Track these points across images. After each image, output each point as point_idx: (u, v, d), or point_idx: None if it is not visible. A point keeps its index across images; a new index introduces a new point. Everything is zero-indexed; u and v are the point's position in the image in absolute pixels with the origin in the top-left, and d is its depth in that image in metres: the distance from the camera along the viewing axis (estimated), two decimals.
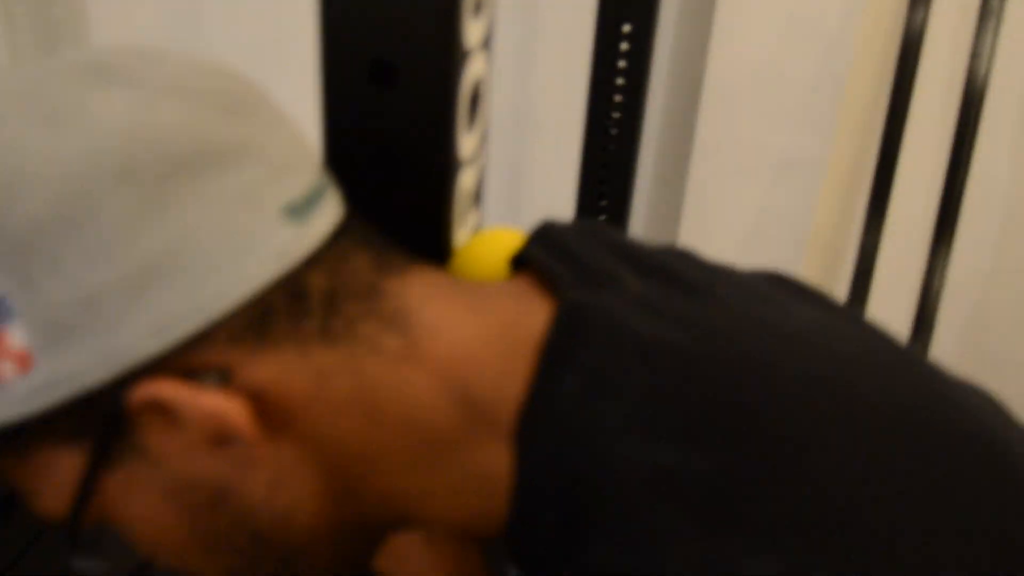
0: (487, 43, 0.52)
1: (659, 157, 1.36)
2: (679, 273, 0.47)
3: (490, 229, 0.55)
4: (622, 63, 1.16)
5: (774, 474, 0.36)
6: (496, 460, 0.41)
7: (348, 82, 0.49)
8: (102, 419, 0.39)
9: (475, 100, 0.52)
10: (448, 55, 0.48)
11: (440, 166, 0.51)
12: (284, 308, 0.40)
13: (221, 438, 0.39)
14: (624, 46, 1.14)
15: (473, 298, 0.45)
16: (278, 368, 0.40)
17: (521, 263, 0.49)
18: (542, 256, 0.47)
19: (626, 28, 1.14)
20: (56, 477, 0.41)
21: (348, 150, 0.51)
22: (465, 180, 0.53)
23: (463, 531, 0.48)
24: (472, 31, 0.49)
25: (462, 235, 0.54)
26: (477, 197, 0.57)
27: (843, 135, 1.24)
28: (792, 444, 0.37)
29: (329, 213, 0.43)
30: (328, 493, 0.42)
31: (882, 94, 1.20)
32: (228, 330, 0.39)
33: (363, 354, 0.41)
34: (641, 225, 1.39)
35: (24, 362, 0.37)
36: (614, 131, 1.20)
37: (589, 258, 0.47)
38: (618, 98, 1.18)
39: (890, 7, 1.18)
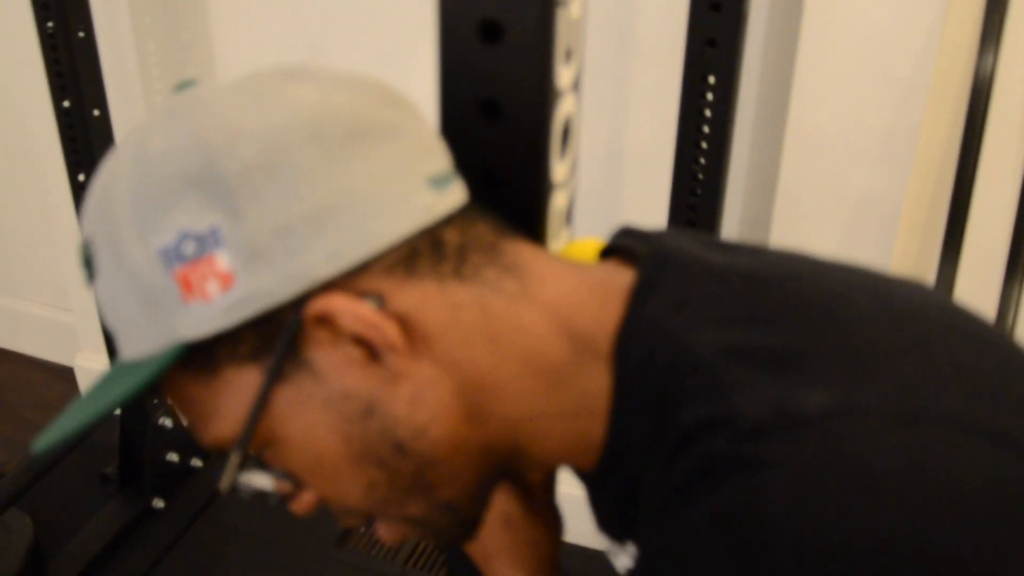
0: (576, 85, 0.62)
1: (745, 197, 1.44)
2: (756, 249, 0.57)
3: (579, 239, 0.64)
4: (708, 112, 1.25)
5: (823, 338, 0.47)
6: (598, 381, 0.51)
7: (461, 116, 0.60)
8: (281, 333, 0.49)
9: (566, 133, 0.62)
10: (543, 95, 0.58)
11: (537, 188, 0.61)
12: (427, 252, 0.51)
13: (374, 352, 0.50)
14: (709, 96, 1.23)
15: (572, 263, 0.56)
16: (421, 298, 0.51)
17: (607, 255, 0.60)
18: (625, 241, 0.58)
19: (711, 79, 1.23)
20: (235, 395, 0.51)
21: (462, 173, 0.61)
22: (557, 201, 0.63)
23: (567, 459, 0.56)
24: (563, 75, 0.59)
25: (555, 247, 0.64)
26: (568, 217, 0.66)
27: (919, 175, 1.30)
28: (836, 317, 0.48)
29: (459, 191, 0.55)
30: (459, 413, 0.52)
31: (955, 135, 1.26)
32: (384, 264, 0.50)
33: (488, 293, 0.52)
34: None
35: (227, 282, 0.49)
36: (701, 176, 1.28)
37: (668, 238, 0.57)
38: (704, 145, 1.27)
39: (961, 53, 1.24)
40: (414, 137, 0.54)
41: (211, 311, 0.49)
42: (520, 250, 0.55)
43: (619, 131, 1.50)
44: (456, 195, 0.55)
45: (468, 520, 0.58)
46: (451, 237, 0.53)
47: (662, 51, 1.39)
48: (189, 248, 0.48)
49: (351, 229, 0.49)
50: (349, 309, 0.49)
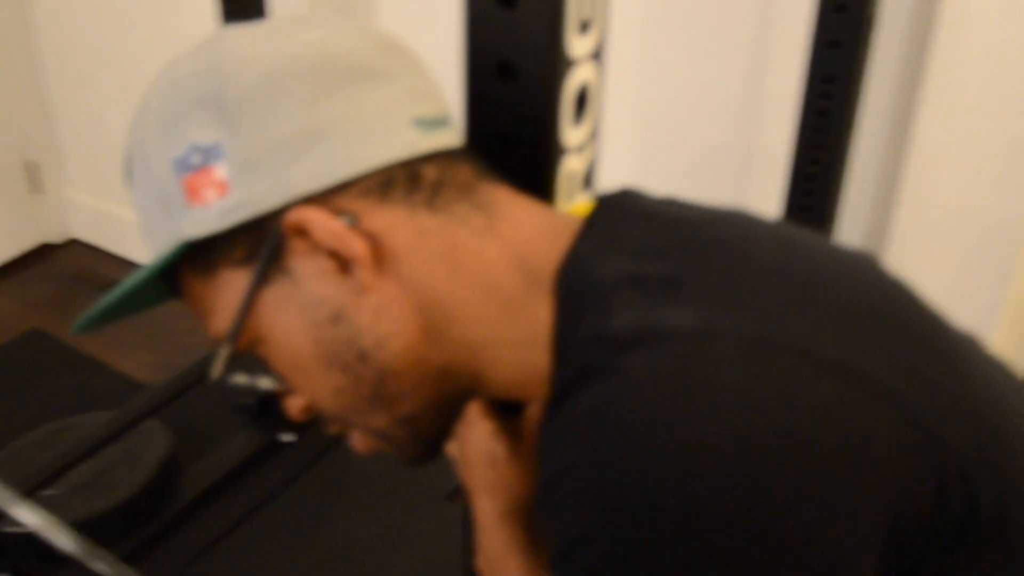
0: (597, 55, 0.65)
1: (862, 209, 1.41)
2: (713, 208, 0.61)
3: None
4: (828, 116, 1.23)
5: (709, 271, 0.52)
6: (544, 312, 0.55)
7: (480, 77, 0.64)
8: (266, 240, 0.56)
9: (583, 100, 0.65)
10: (554, 60, 0.61)
11: (546, 151, 0.64)
12: (403, 182, 0.57)
13: (344, 264, 0.55)
14: (826, 104, 1.22)
15: (542, 207, 0.61)
16: (391, 221, 0.56)
17: None
18: (603, 197, 0.61)
19: (833, 83, 1.21)
20: (227, 295, 0.58)
21: (480, 132, 0.65)
22: (569, 165, 0.66)
23: (525, 389, 0.60)
24: (577, 44, 0.62)
25: (564, 208, 0.67)
26: (588, 181, 0.69)
27: None
28: (732, 256, 0.53)
29: (449, 136, 0.60)
30: (419, 329, 0.57)
31: None
32: (361, 187, 0.56)
33: (455, 224, 0.57)
34: None
35: (223, 189, 0.56)
36: (816, 182, 1.27)
37: (632, 192, 0.61)
38: (823, 149, 1.25)
39: None
40: (407, 82, 0.59)
41: (209, 214, 0.56)
42: (496, 192, 0.60)
43: (743, 130, 1.48)
44: (444, 138, 0.60)
45: (429, 438, 0.62)
46: (430, 172, 0.58)
47: (790, 51, 1.37)
48: (196, 158, 0.56)
49: (334, 153, 0.56)
50: (322, 222, 0.54)
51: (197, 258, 0.58)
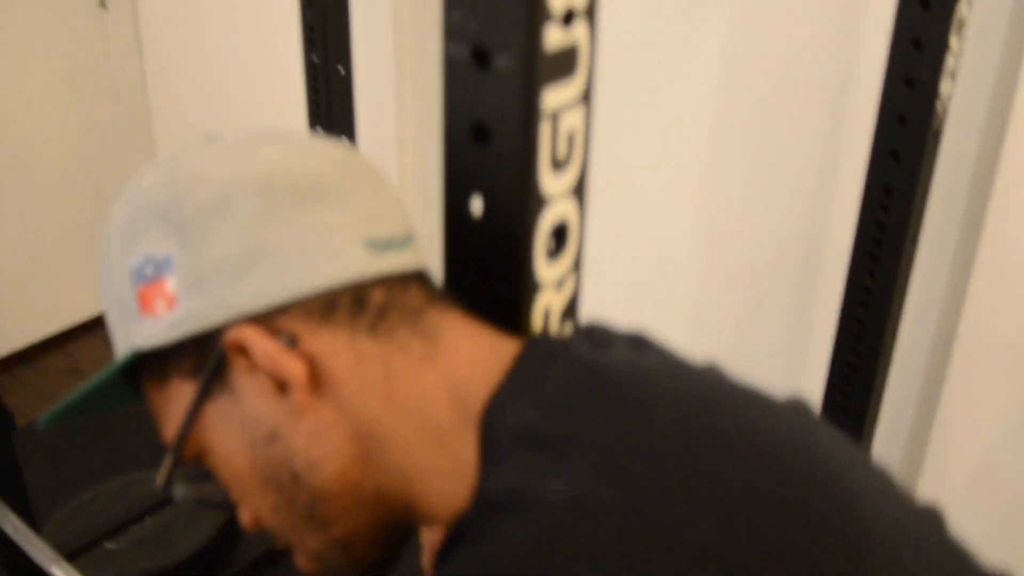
0: (578, 190, 0.64)
1: (927, 316, 1.35)
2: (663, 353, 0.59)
3: None
4: (882, 233, 1.19)
5: (601, 432, 0.50)
6: (470, 452, 0.54)
7: (457, 210, 0.64)
8: (211, 355, 0.56)
9: (562, 235, 0.64)
10: (526, 198, 0.60)
11: (518, 288, 0.63)
12: (347, 305, 0.57)
13: (281, 385, 0.56)
14: (883, 216, 1.17)
15: (489, 340, 0.59)
16: (332, 344, 0.56)
17: None
18: (537, 338, 0.60)
19: (886, 200, 1.17)
20: (176, 404, 0.59)
21: (455, 264, 0.65)
22: (545, 299, 0.65)
23: (449, 521, 0.59)
24: (553, 182, 0.61)
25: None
26: (569, 313, 0.68)
27: None
28: (632, 417, 0.51)
29: (404, 260, 0.60)
30: (352, 455, 0.57)
31: None
32: (303, 309, 0.56)
33: (394, 351, 0.57)
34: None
35: (171, 302, 0.57)
36: (875, 277, 1.22)
37: (599, 335, 0.60)
38: (877, 268, 1.20)
39: None
40: (363, 202, 0.60)
41: (158, 326, 0.57)
42: (443, 319, 0.59)
43: (809, 230, 1.45)
44: (398, 260, 0.60)
45: (365, 563, 0.61)
46: (376, 296, 0.58)
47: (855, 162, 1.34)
48: (149, 270, 0.57)
49: (277, 273, 0.56)
50: (259, 342, 0.55)
51: (151, 366, 0.60)
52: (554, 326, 0.67)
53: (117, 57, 2.83)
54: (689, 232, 1.71)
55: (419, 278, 0.61)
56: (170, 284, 0.57)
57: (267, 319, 0.56)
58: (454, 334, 0.59)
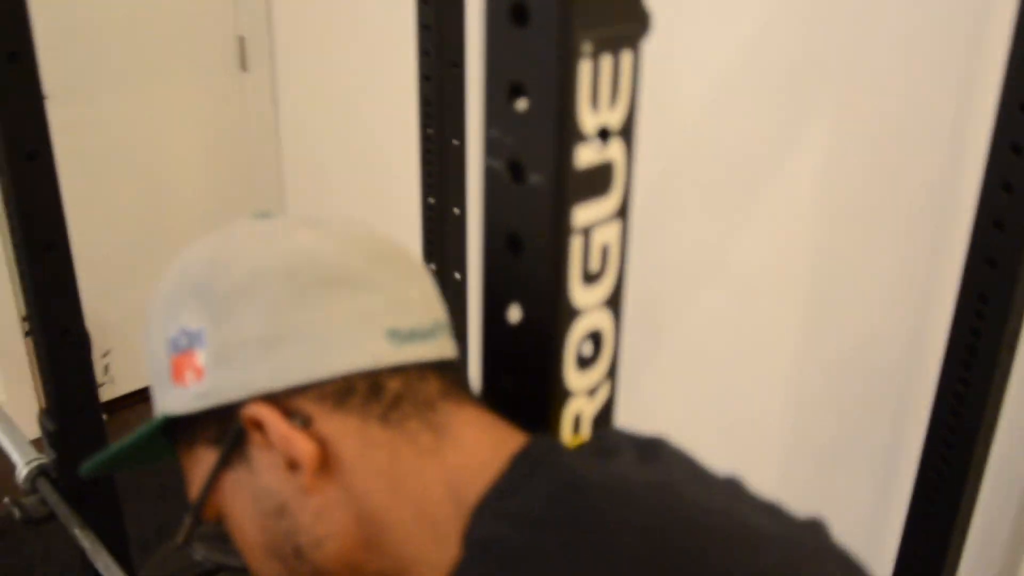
0: (612, 301, 0.65)
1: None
2: (673, 466, 0.59)
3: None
4: (975, 340, 1.14)
5: (557, 559, 0.50)
6: (458, 547, 0.55)
7: (493, 315, 0.65)
8: (230, 427, 0.59)
9: (597, 344, 0.65)
10: (557, 310, 0.62)
11: (547, 394, 0.64)
12: (362, 392, 0.59)
13: (292, 463, 0.58)
14: (978, 322, 1.13)
15: (500, 434, 0.60)
16: (343, 428, 0.58)
17: None
18: (587, 441, 0.61)
19: (981, 307, 1.13)
20: (199, 469, 0.62)
21: (491, 369, 0.66)
22: (575, 407, 0.65)
23: None
24: (584, 294, 0.62)
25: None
26: (604, 419, 0.68)
27: None
28: (601, 541, 0.50)
29: (427, 351, 0.62)
30: (355, 537, 0.58)
31: None
32: (320, 391, 0.59)
33: (403, 441, 0.59)
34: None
35: (199, 374, 0.60)
36: (963, 404, 1.17)
37: (615, 445, 0.60)
38: (970, 375, 1.16)
39: None
40: (389, 293, 0.62)
41: (186, 395, 0.61)
42: (456, 413, 0.61)
43: (903, 320, 1.40)
44: (420, 351, 0.61)
45: None
46: (393, 385, 0.60)
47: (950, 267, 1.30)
48: (183, 341, 0.61)
49: (297, 357, 0.59)
50: (272, 421, 0.58)
51: (181, 430, 0.63)
52: (584, 431, 0.67)
53: (255, 117, 2.97)
54: (791, 327, 1.68)
55: (440, 368, 0.63)
56: (199, 357, 0.60)
57: (284, 399, 0.59)
58: (463, 429, 0.60)
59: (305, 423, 0.58)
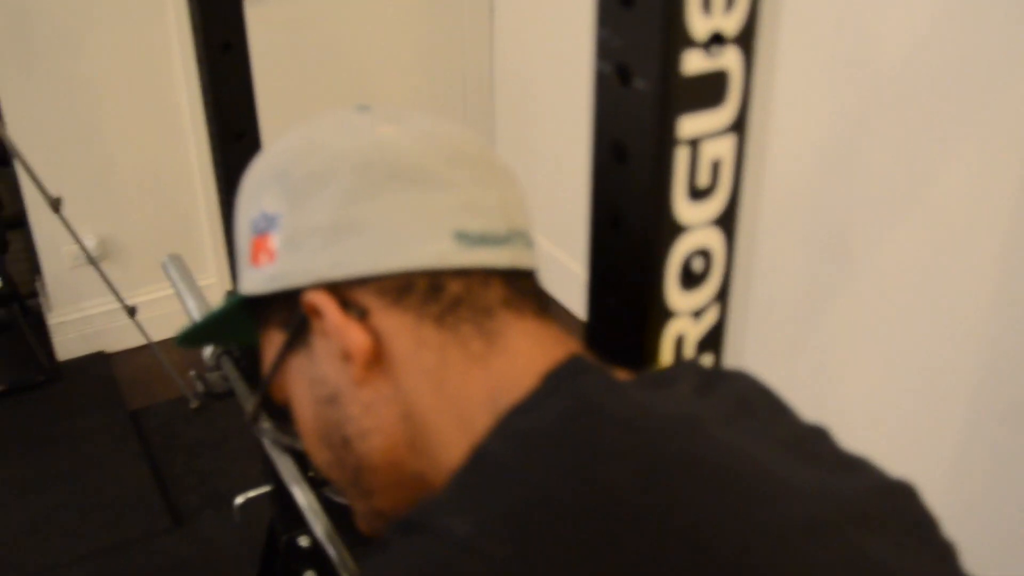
0: (723, 220, 0.61)
1: None
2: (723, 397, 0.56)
3: None
4: None
5: (533, 483, 0.48)
6: None
7: (598, 226, 0.63)
8: (296, 313, 0.61)
9: (687, 268, 0.62)
10: (655, 224, 0.59)
11: (646, 312, 0.62)
12: (421, 290, 0.59)
13: (345, 353, 0.59)
14: None
15: (551, 347, 0.59)
16: (398, 325, 0.59)
17: None
18: (651, 370, 0.59)
19: None
20: (270, 349, 0.65)
21: (594, 278, 0.65)
22: (677, 327, 0.63)
23: None
24: (690, 210, 0.59)
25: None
26: (711, 343, 0.65)
27: None
28: (558, 478, 0.48)
29: (497, 257, 0.60)
30: (400, 434, 0.59)
31: None
32: (379, 286, 0.59)
33: (453, 344, 0.58)
34: None
35: (272, 257, 0.62)
36: None
37: (675, 376, 0.58)
38: None
39: None
40: (464, 194, 0.60)
41: (259, 277, 0.62)
42: (513, 325, 0.59)
43: None
44: (489, 256, 0.60)
45: None
46: (454, 287, 0.59)
47: None
48: (262, 224, 0.62)
49: (360, 249, 0.59)
50: (329, 309, 0.58)
51: (257, 310, 0.65)
52: (688, 355, 0.65)
53: (469, 25, 2.99)
54: (987, 274, 1.55)
55: (508, 276, 0.61)
56: (274, 241, 0.61)
57: (345, 289, 0.59)
58: (516, 339, 0.59)
59: (362, 315, 0.58)
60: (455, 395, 0.57)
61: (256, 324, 0.67)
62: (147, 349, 2.29)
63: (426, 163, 0.61)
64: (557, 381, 0.55)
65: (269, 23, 2.70)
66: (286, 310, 0.62)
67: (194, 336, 0.71)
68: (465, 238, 0.60)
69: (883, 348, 1.81)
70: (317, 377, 0.61)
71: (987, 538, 1.67)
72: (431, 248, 0.59)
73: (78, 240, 2.06)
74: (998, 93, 1.49)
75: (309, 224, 0.60)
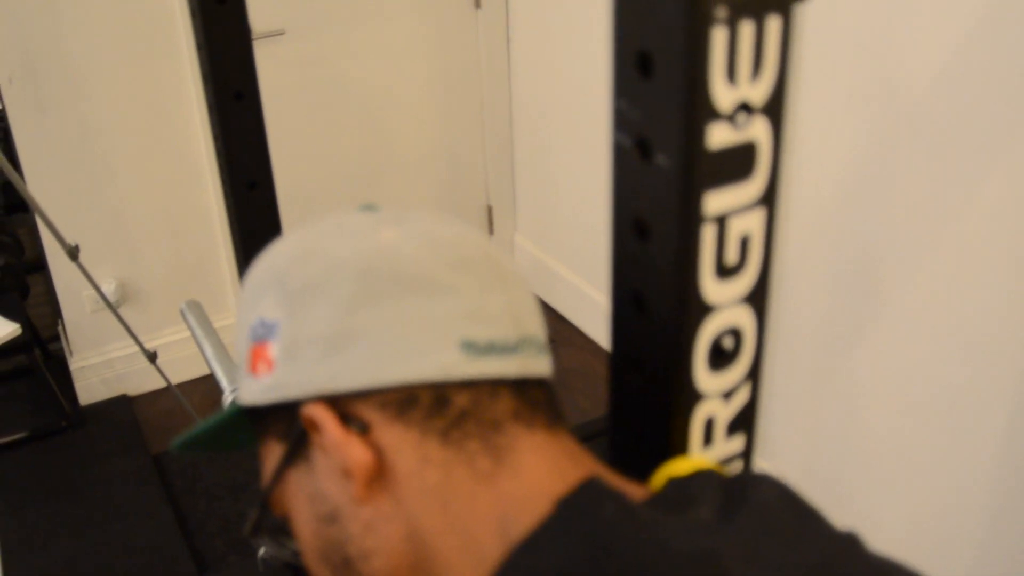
0: (754, 297, 0.57)
1: None
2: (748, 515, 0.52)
3: (704, 458, 0.60)
4: None
5: None
6: None
7: (620, 308, 0.60)
8: (295, 426, 0.57)
9: (718, 348, 0.58)
10: (682, 305, 0.55)
11: (675, 395, 0.58)
12: (425, 404, 0.55)
13: (346, 470, 0.55)
14: None
15: (561, 468, 0.55)
16: (401, 440, 0.55)
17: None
18: (670, 482, 0.55)
19: None
20: (269, 461, 0.61)
21: (619, 360, 0.61)
22: (706, 410, 0.59)
23: None
24: (718, 289, 0.56)
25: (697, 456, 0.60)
26: (742, 425, 0.61)
27: None
28: None
29: (505, 367, 0.56)
30: (404, 555, 0.55)
31: None
32: (381, 399, 0.55)
33: (459, 462, 0.54)
34: None
35: (270, 367, 0.58)
36: None
37: (697, 493, 0.53)
38: None
39: None
40: (470, 301, 0.57)
41: (257, 387, 0.59)
42: (523, 440, 0.55)
43: None
44: (498, 366, 0.56)
45: None
46: (460, 400, 0.55)
47: None
48: (260, 331, 0.59)
49: (361, 360, 0.55)
50: (328, 424, 0.55)
51: (257, 419, 0.62)
52: (719, 438, 0.61)
53: (487, 53, 2.98)
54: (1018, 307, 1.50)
55: (519, 387, 0.57)
56: (272, 350, 0.57)
57: (345, 402, 0.56)
58: (526, 455, 0.55)
59: (363, 429, 0.55)
60: (462, 517, 0.54)
61: (255, 432, 0.64)
62: (169, 391, 2.27)
63: (429, 269, 0.57)
64: (570, 512, 0.51)
65: (285, 60, 2.69)
66: (285, 422, 0.59)
67: (194, 443, 0.67)
68: (471, 348, 0.56)
69: (909, 382, 1.76)
70: (317, 493, 0.58)
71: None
72: (435, 359, 0.55)
73: (96, 287, 2.04)
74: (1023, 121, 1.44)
75: (308, 333, 0.57)
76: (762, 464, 2.08)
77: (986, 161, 1.52)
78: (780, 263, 1.98)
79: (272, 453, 0.61)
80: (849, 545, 0.53)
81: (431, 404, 0.55)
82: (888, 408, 1.82)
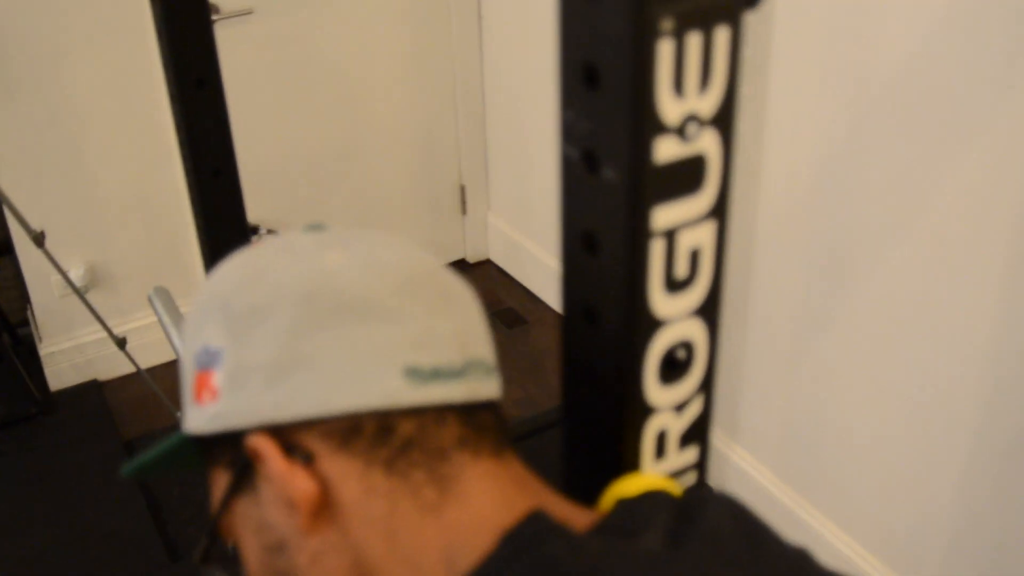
0: (704, 310, 0.57)
1: None
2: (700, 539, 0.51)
3: (654, 475, 0.59)
4: None
5: None
6: None
7: (570, 320, 0.59)
8: (240, 456, 0.56)
9: (671, 361, 0.57)
10: (632, 319, 0.54)
11: (625, 409, 0.57)
12: (370, 433, 0.54)
13: (290, 501, 0.54)
14: None
15: (508, 497, 0.54)
16: (345, 470, 0.53)
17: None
18: (618, 505, 0.54)
19: None
20: (216, 489, 0.59)
21: (570, 375, 0.60)
22: (658, 424, 0.58)
23: None
24: (667, 302, 0.55)
25: (649, 473, 0.59)
26: (694, 436, 0.61)
27: None
28: None
29: (451, 392, 0.55)
30: None
31: None
32: (325, 428, 0.54)
33: (404, 493, 0.53)
34: None
35: (214, 395, 0.56)
36: None
37: (646, 518, 0.53)
38: None
39: None
40: (415, 327, 0.55)
41: (202, 416, 0.57)
42: (469, 470, 0.54)
43: None
44: (443, 392, 0.55)
45: None
46: (405, 428, 0.54)
47: None
48: (204, 359, 0.57)
49: (304, 389, 0.53)
50: (271, 455, 0.53)
51: (203, 447, 0.60)
52: (671, 450, 0.60)
53: (459, 32, 2.95)
54: (989, 296, 1.51)
55: (466, 412, 0.56)
56: (216, 378, 0.56)
57: (289, 432, 0.54)
58: (472, 484, 0.54)
59: (307, 460, 0.54)
60: (408, 549, 0.53)
61: (203, 461, 0.62)
62: (140, 376, 2.25)
63: (373, 294, 0.56)
64: (515, 546, 0.50)
65: (254, 40, 2.66)
66: (230, 451, 0.57)
67: (144, 469, 0.66)
68: (416, 374, 0.54)
69: (882, 365, 1.76)
70: (264, 523, 0.56)
71: (992, 552, 1.62)
72: (379, 387, 0.54)
73: (63, 274, 2.02)
74: (996, 108, 1.44)
75: (251, 361, 0.55)
76: (737, 450, 2.09)
77: (958, 147, 1.52)
78: (753, 249, 1.97)
79: (220, 481, 0.59)
80: (800, 564, 0.52)
81: (375, 433, 0.54)
82: (862, 392, 1.83)
